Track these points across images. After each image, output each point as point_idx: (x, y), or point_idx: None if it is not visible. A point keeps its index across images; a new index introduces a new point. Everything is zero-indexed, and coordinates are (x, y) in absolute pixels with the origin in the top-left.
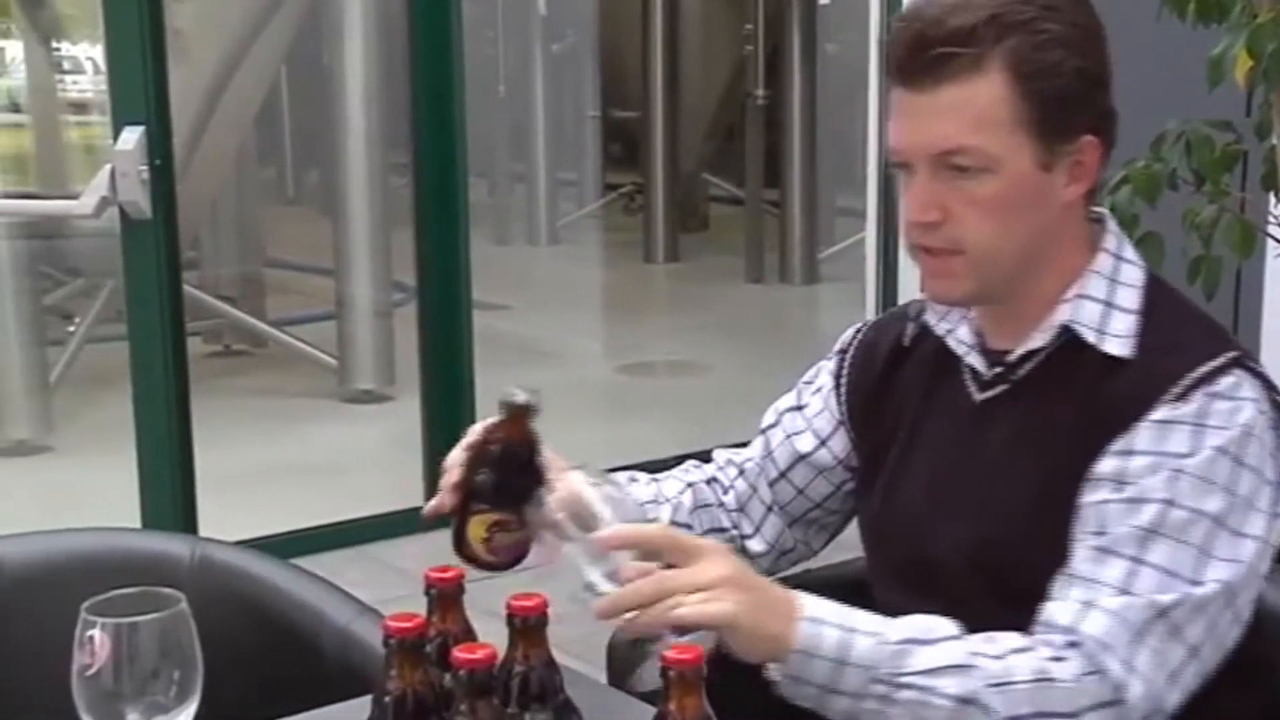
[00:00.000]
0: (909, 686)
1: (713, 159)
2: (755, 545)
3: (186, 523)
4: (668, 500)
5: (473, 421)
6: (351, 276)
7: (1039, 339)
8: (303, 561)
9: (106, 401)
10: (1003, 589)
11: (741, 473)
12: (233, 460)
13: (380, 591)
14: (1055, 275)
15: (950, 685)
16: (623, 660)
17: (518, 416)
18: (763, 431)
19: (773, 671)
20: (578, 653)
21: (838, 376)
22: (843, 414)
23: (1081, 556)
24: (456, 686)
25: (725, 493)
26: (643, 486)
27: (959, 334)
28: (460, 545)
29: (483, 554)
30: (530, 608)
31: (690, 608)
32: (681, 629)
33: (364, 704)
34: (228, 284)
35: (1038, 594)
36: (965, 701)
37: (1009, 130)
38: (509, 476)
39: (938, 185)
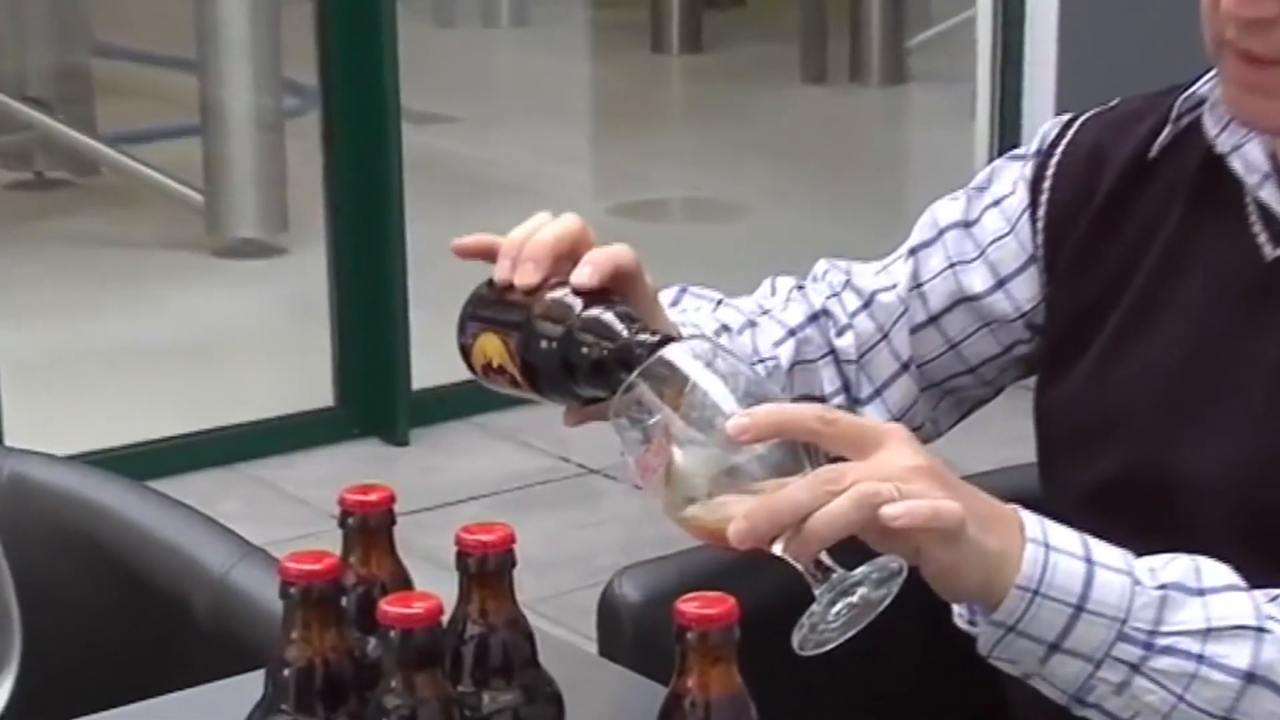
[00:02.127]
0: (1173, 651)
1: None
2: (870, 414)
3: None
4: (761, 360)
5: (403, 287)
6: (222, 72)
7: None
8: (161, 484)
9: None
10: (1277, 534)
11: (868, 305)
12: (52, 341)
13: (272, 527)
14: None
15: (1235, 654)
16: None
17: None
18: (912, 252)
19: (971, 619)
20: (553, 614)
21: (1035, 188)
22: (1038, 246)
23: None
24: (386, 653)
25: (840, 333)
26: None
27: (1248, 155)
28: (463, 333)
29: (477, 369)
30: (490, 544)
31: (903, 504)
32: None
33: (254, 680)
34: (37, 81)
35: None
36: (1253, 679)
37: None
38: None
39: None
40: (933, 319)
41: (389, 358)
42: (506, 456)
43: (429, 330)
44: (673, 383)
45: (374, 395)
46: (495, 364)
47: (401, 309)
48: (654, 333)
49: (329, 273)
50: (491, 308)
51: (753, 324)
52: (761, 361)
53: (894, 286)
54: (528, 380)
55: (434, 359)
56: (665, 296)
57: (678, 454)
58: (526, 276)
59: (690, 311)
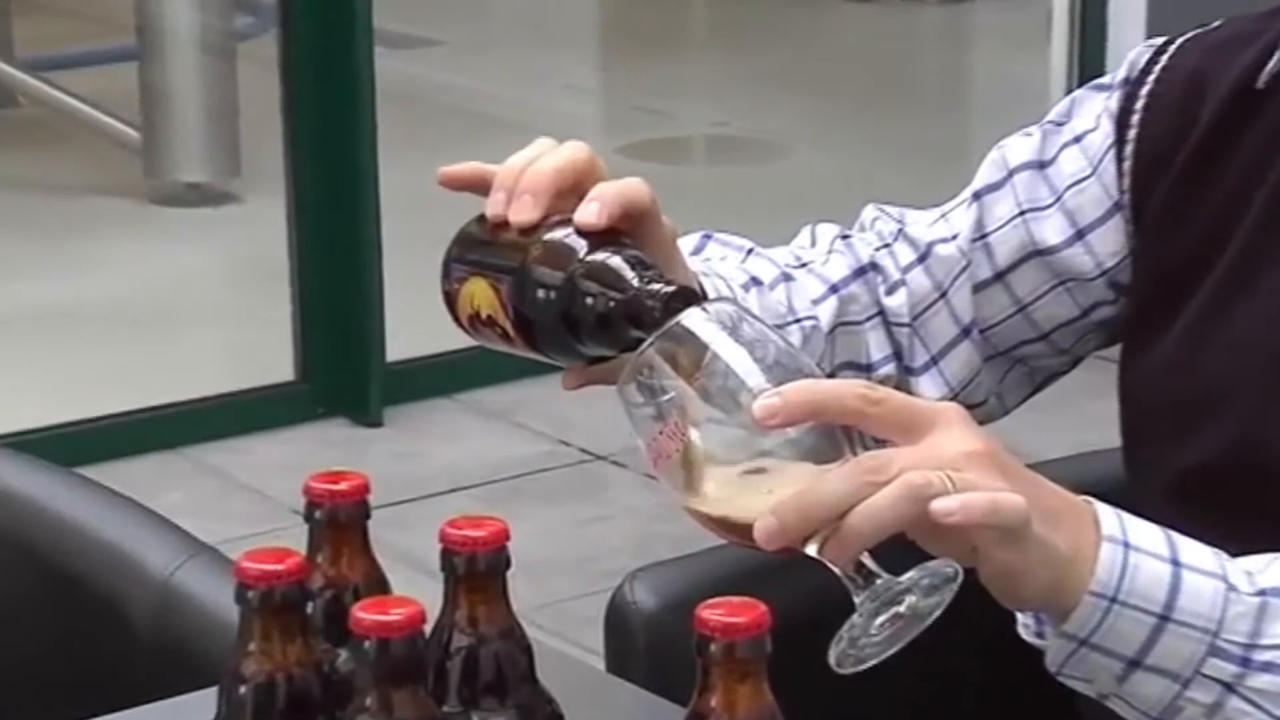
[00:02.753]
0: (1273, 668)
1: None
2: (925, 386)
3: None
4: (797, 320)
5: (376, 241)
6: None
7: None
8: (93, 472)
9: None
10: None
11: (923, 259)
12: None
13: (224, 522)
14: None
15: None
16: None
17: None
18: (976, 196)
19: (1038, 631)
20: (553, 624)
21: (1122, 123)
22: (1124, 191)
23: None
24: (359, 667)
25: (891, 291)
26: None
27: None
28: (448, 278)
29: (463, 320)
30: (480, 541)
31: (957, 497)
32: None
33: (204, 700)
34: None
35: None
36: None
37: None
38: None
39: None
40: (999, 275)
41: (359, 324)
42: (498, 440)
43: (407, 292)
44: (690, 352)
45: (342, 368)
46: (484, 315)
47: (374, 266)
48: (669, 282)
49: (289, 224)
50: (481, 249)
51: (788, 278)
52: (798, 322)
53: (954, 237)
54: (521, 335)
55: (413, 326)
56: (687, 244)
57: (695, 436)
58: (523, 213)
59: (715, 261)
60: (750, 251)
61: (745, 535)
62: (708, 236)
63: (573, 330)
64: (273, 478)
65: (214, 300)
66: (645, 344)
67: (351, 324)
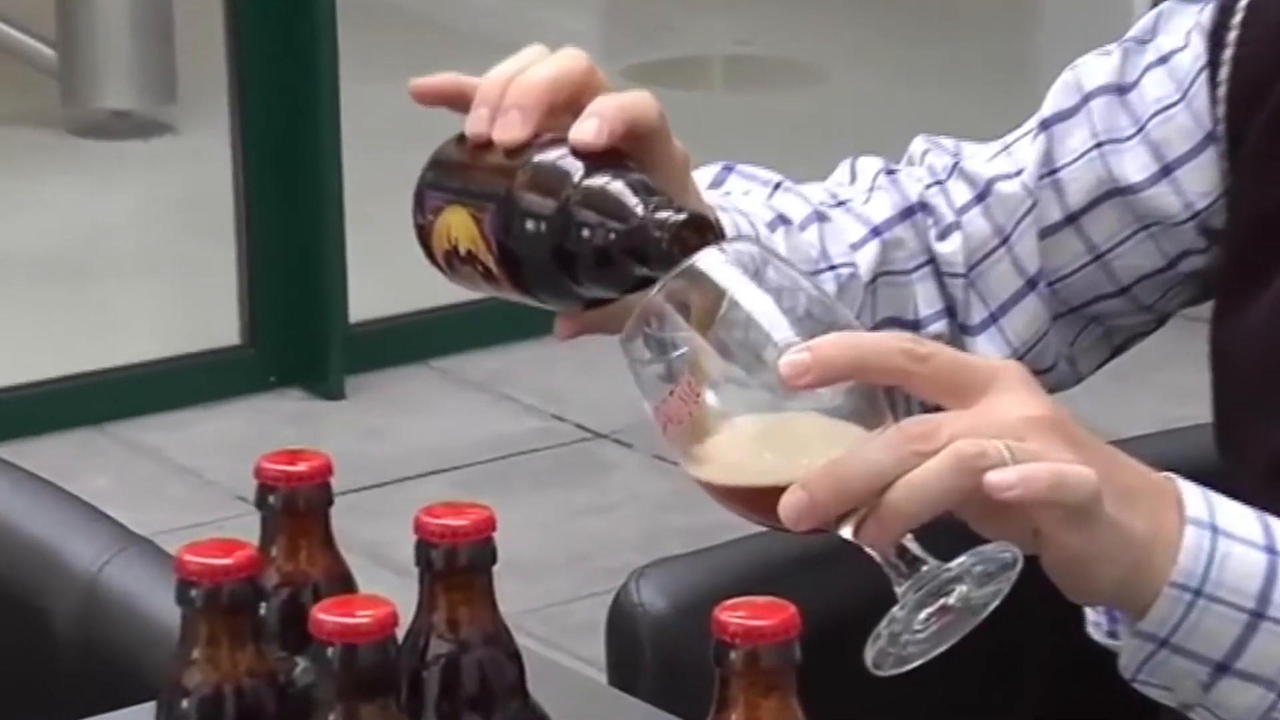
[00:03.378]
0: None
1: None
2: (983, 347)
3: None
4: (832, 267)
5: (336, 179)
6: None
7: None
8: (4, 451)
9: None
10: None
11: (983, 198)
12: None
13: (159, 511)
14: None
15: None
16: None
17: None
18: (1044, 126)
19: (1110, 629)
20: (547, 630)
21: (1216, 41)
22: (1218, 120)
23: None
24: (321, 678)
25: (944, 236)
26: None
27: None
28: (421, 209)
29: (439, 257)
30: (462, 531)
31: (1016, 470)
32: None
33: (140, 716)
34: None
35: None
36: None
37: None
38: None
39: None
40: (1071, 218)
41: (317, 278)
42: (480, 414)
43: (373, 240)
44: (705, 299)
45: (297, 330)
46: (463, 250)
47: (334, 210)
48: (680, 210)
49: (234, 159)
50: (460, 174)
51: (822, 218)
52: (833, 269)
53: (1019, 173)
54: (507, 274)
55: (381, 280)
56: (704, 175)
57: (711, 399)
58: (509, 131)
59: (736, 196)
60: (778, 186)
61: (768, 510)
62: (728, 168)
63: (567, 268)
64: (216, 458)
65: (145, 250)
66: (654, 289)
67: (308, 278)
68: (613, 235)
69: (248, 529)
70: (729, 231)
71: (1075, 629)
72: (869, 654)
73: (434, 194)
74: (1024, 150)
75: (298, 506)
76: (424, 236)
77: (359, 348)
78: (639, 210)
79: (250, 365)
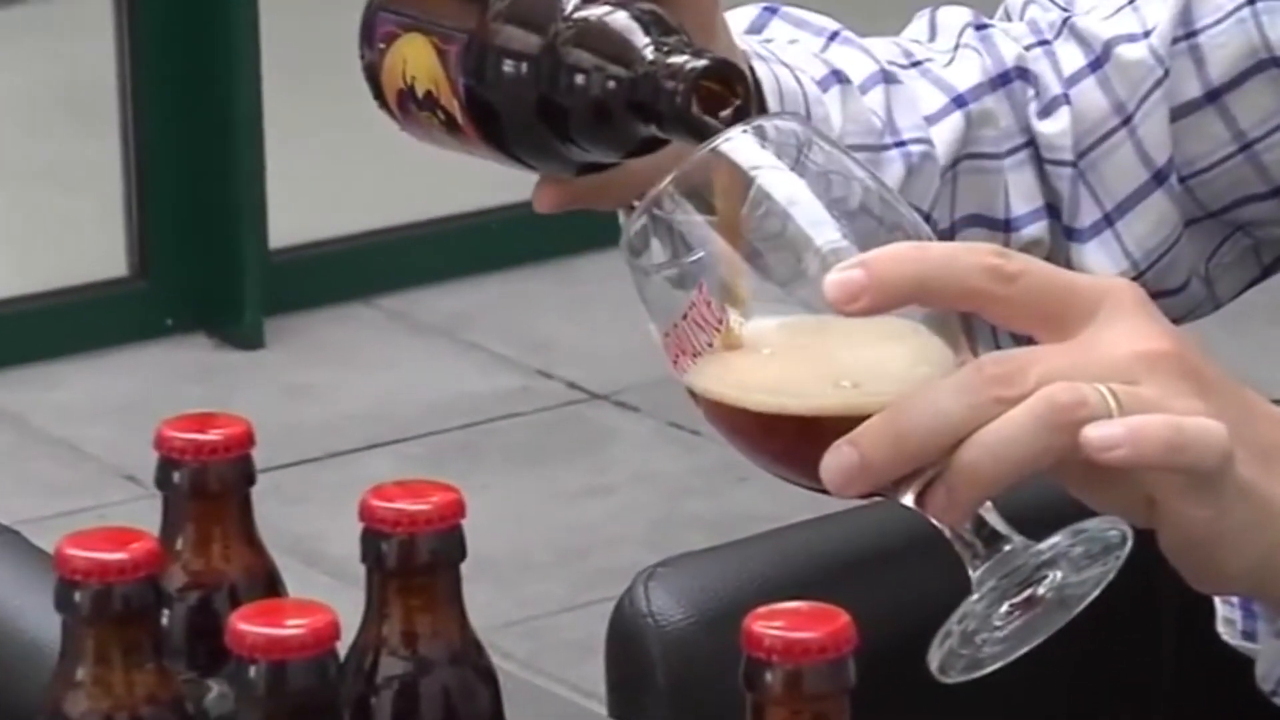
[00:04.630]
0: None
1: None
2: (1094, 258)
3: None
4: (900, 143)
5: (253, 66)
6: None
7: None
8: None
9: None
10: None
11: (1099, 64)
12: None
13: (26, 494)
14: None
15: None
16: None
17: None
18: None
19: (1246, 628)
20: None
21: None
22: None
23: None
24: (243, 704)
25: (1047, 112)
26: (827, 97)
27: None
28: (369, 41)
29: (389, 98)
30: (421, 518)
31: (1122, 423)
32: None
33: None
34: None
35: None
36: None
37: None
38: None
39: None
40: (1214, 95)
41: (225, 193)
42: (441, 368)
43: (298, 142)
44: (730, 194)
45: (200, 259)
46: (421, 91)
47: (248, 103)
48: (699, 53)
49: (118, 36)
50: None
51: (890, 79)
52: (900, 146)
53: (1147, 35)
54: (477, 126)
55: (308, 194)
56: (740, 17)
57: (736, 321)
58: None
59: (780, 45)
60: (834, 36)
61: (805, 459)
62: (771, 9)
63: (553, 123)
64: (97, 426)
65: (3, 154)
66: (665, 179)
67: (214, 193)
68: (612, 84)
69: (139, 516)
70: (767, 88)
71: (1206, 626)
72: (934, 658)
73: (387, 18)
74: (1155, 5)
75: (209, 487)
76: (373, 74)
77: (281, 281)
78: (648, 53)
79: (141, 303)
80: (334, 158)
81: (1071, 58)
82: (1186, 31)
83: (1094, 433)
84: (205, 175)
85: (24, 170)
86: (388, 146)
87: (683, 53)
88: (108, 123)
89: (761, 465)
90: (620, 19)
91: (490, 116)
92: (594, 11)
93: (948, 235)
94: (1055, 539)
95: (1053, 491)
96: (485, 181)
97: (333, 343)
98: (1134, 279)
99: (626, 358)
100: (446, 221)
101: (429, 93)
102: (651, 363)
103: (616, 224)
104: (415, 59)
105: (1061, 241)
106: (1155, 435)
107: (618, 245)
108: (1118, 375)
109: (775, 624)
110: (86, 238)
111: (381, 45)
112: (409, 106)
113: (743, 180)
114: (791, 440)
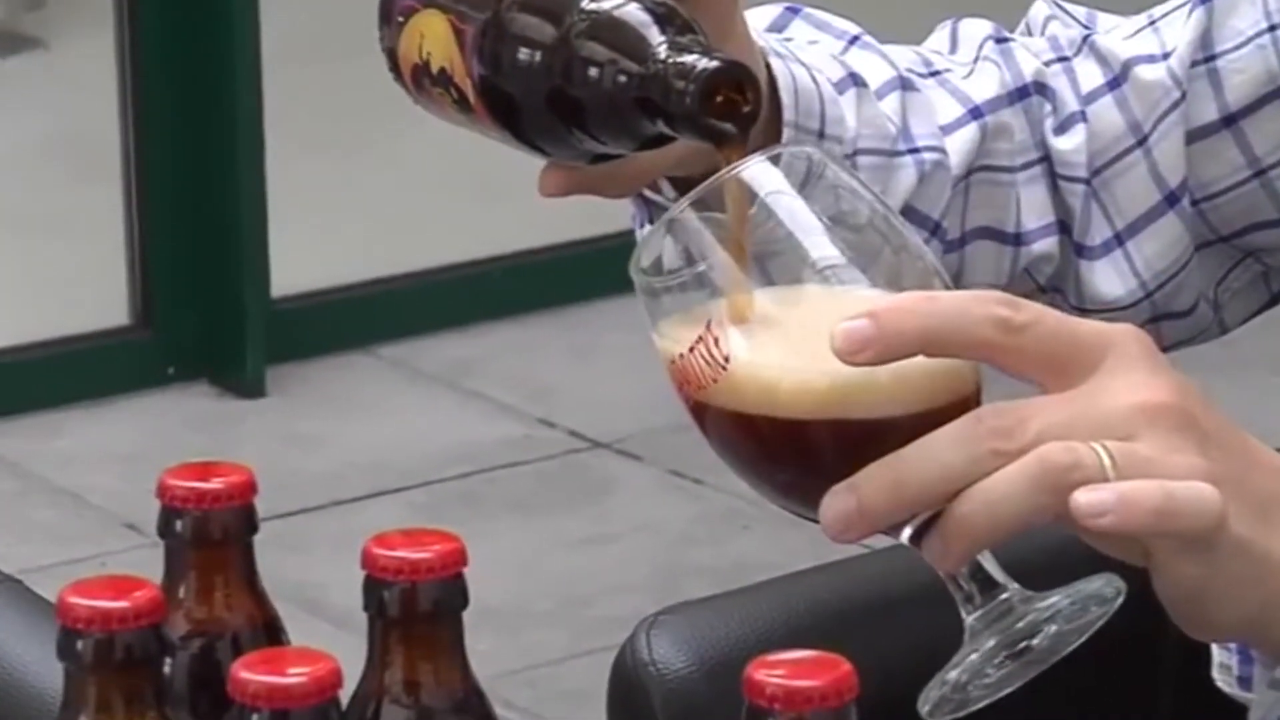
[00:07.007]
0: None
1: None
2: (1103, 277)
3: None
4: (914, 150)
5: (255, 114)
6: None
7: None
8: None
9: None
10: None
11: (1117, 84)
12: None
13: (28, 543)
14: None
15: None
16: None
17: None
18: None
19: (1242, 674)
20: (531, 696)
21: None
22: None
23: None
24: None
25: (1064, 127)
26: (843, 100)
27: None
28: (388, 19)
29: (404, 73)
30: (423, 566)
31: (1111, 490)
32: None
33: None
34: None
35: None
36: None
37: None
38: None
39: None
40: (1230, 120)
41: (228, 242)
42: (443, 417)
43: (302, 190)
44: (745, 217)
45: (203, 308)
46: (435, 68)
47: (251, 152)
48: (712, 54)
49: (120, 85)
50: None
51: (908, 85)
52: (914, 153)
53: (1166, 56)
54: (488, 108)
55: (311, 243)
56: (761, 15)
57: (741, 352)
58: None
59: (799, 45)
60: (854, 40)
61: (811, 487)
62: (793, 10)
63: (563, 113)
64: (99, 475)
65: (3, 202)
66: (678, 204)
67: (215, 242)
68: (623, 79)
69: (141, 565)
70: (783, 85)
71: (1205, 666)
72: (925, 701)
73: None
74: (1175, 28)
75: (212, 536)
76: (390, 49)
77: (283, 330)
78: (660, 50)
79: (143, 352)
80: (336, 207)
81: (1090, 75)
82: (1206, 55)
83: (1084, 499)
84: (207, 224)
85: (26, 220)
86: (389, 196)
87: (694, 52)
88: (109, 172)
89: (765, 487)
90: (635, 13)
91: (502, 100)
92: (609, 4)
93: (958, 245)
94: (1054, 599)
95: (1059, 531)
96: (486, 231)
97: (335, 391)
98: (1142, 299)
99: (629, 406)
100: (448, 270)
101: (443, 69)
102: (654, 411)
103: (619, 273)
104: (432, 35)
105: (1071, 258)
106: (1145, 503)
107: (620, 294)
108: (1117, 429)
109: (777, 672)
110: (89, 287)
111: (400, 19)
112: (423, 81)
113: (759, 207)
114: (800, 468)
